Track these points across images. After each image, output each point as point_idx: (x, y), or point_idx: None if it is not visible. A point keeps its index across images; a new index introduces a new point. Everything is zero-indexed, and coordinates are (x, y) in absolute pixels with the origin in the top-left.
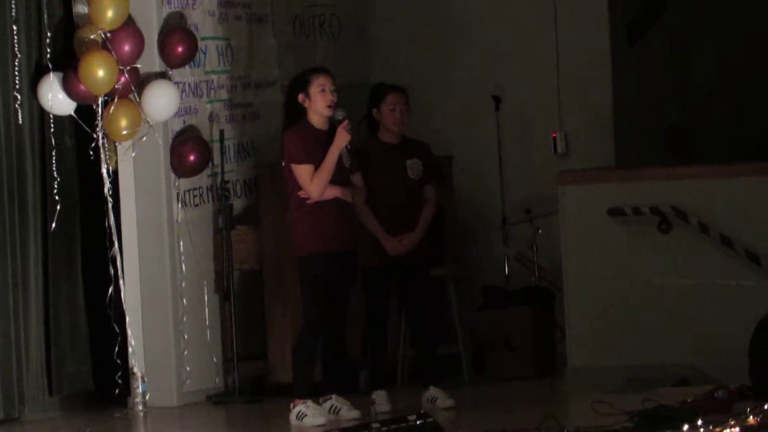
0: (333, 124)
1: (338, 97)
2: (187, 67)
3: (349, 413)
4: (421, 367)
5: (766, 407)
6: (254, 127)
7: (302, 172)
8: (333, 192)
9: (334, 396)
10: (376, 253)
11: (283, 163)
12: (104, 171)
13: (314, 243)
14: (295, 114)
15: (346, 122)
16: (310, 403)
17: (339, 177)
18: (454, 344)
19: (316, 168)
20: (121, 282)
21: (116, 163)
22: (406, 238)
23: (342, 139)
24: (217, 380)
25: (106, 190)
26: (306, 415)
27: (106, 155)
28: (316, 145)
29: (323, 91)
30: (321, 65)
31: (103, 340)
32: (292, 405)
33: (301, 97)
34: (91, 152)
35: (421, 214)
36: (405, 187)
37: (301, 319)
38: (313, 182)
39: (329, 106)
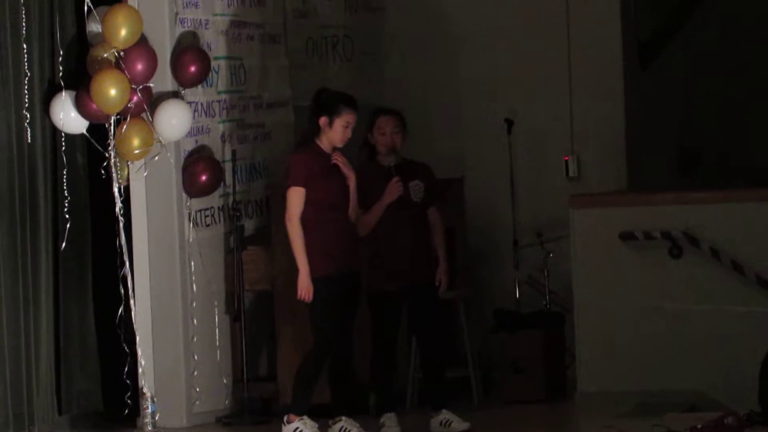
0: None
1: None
2: (199, 86)
3: None
4: (430, 391)
5: None
6: (266, 147)
7: (294, 194)
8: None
9: (344, 418)
10: (385, 277)
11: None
12: (116, 190)
13: (318, 265)
14: (313, 131)
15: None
16: (306, 420)
17: (345, 198)
18: (464, 367)
19: (309, 190)
20: (131, 301)
21: (127, 179)
22: (442, 276)
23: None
24: (226, 401)
25: (117, 209)
26: None
27: (117, 174)
28: (319, 169)
29: (346, 128)
30: (353, 97)
31: (113, 359)
32: (286, 419)
33: (323, 120)
34: (103, 171)
35: (435, 242)
36: (408, 211)
37: (310, 341)
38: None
39: (343, 142)
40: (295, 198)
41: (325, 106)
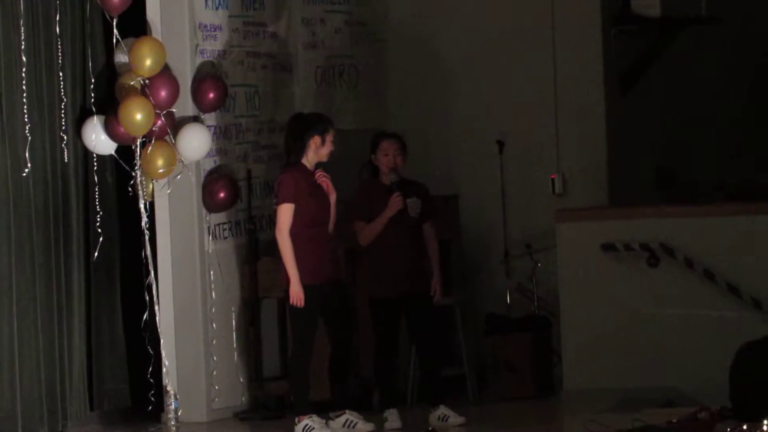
0: (320, 165)
1: (356, 141)
2: (218, 111)
3: (364, 426)
4: (428, 388)
5: (744, 428)
6: (279, 167)
7: (283, 210)
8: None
9: (347, 411)
10: (384, 285)
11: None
12: (142, 206)
13: (307, 275)
14: (299, 151)
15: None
16: (315, 417)
17: (328, 211)
18: (459, 366)
19: (297, 205)
20: (156, 308)
21: (152, 194)
22: (436, 286)
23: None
24: (243, 398)
25: (143, 223)
26: (313, 428)
27: (143, 191)
28: (305, 186)
29: (333, 142)
30: (325, 115)
31: (140, 361)
32: (297, 420)
33: (317, 139)
34: (130, 189)
35: (430, 254)
36: (405, 225)
37: (315, 343)
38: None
39: (328, 157)
40: (285, 213)
41: (312, 126)
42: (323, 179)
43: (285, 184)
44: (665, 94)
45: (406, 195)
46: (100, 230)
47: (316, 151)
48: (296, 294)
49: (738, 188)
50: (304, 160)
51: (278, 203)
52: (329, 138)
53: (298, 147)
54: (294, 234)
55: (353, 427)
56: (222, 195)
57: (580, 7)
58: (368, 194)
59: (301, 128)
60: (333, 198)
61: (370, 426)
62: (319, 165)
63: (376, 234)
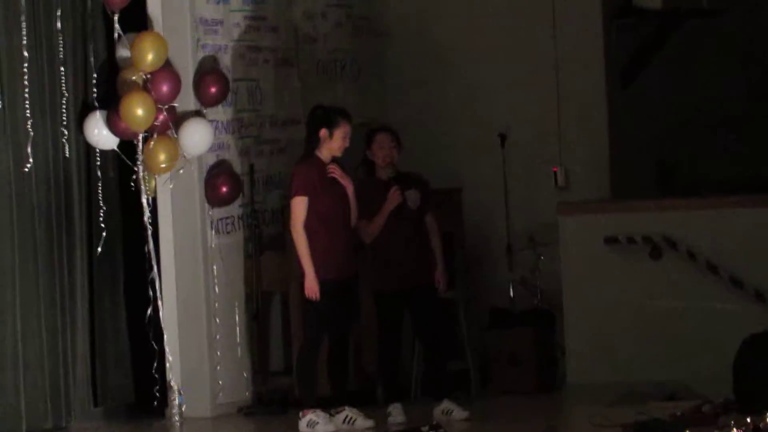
0: (336, 160)
1: (356, 134)
2: (220, 106)
3: (364, 423)
4: (432, 382)
5: (748, 420)
6: (281, 161)
7: (297, 203)
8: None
9: (346, 407)
10: (388, 279)
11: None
12: (144, 201)
13: (320, 270)
14: (313, 144)
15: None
16: (319, 411)
17: (343, 205)
18: (463, 360)
19: (310, 198)
20: (159, 303)
21: (155, 190)
22: (439, 277)
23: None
24: (247, 393)
25: (146, 218)
26: (317, 423)
27: (146, 186)
28: (319, 180)
29: (344, 138)
30: (346, 110)
31: (143, 356)
32: (301, 414)
33: (323, 132)
34: (132, 183)
35: (433, 246)
36: (406, 218)
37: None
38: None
39: (342, 151)
40: (299, 207)
41: (323, 119)
42: (333, 172)
43: (296, 177)
44: (667, 87)
45: (404, 188)
46: (102, 225)
47: (327, 145)
48: (311, 288)
49: (740, 181)
50: (318, 154)
51: (291, 196)
52: (338, 133)
53: (311, 140)
54: (309, 228)
55: (353, 423)
56: (224, 189)
57: (581, 0)
58: (367, 192)
59: (313, 121)
60: (350, 190)
61: (369, 422)
62: (335, 160)
63: (378, 230)
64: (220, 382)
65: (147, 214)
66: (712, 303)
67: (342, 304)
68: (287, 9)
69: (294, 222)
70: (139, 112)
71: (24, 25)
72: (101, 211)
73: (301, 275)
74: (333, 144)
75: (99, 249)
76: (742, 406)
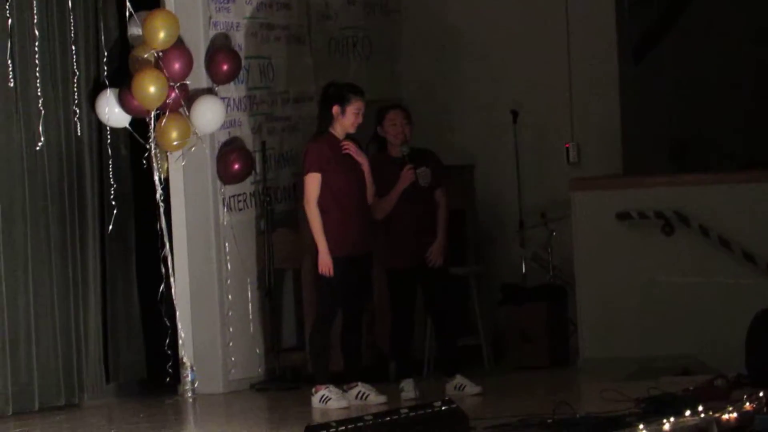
0: (351, 137)
1: (367, 111)
2: (232, 83)
3: (377, 398)
4: (444, 358)
5: (761, 395)
6: (293, 138)
7: (310, 180)
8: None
9: (359, 383)
10: (400, 256)
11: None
12: (156, 178)
13: (334, 246)
14: (326, 121)
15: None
16: (332, 387)
17: (358, 181)
18: (475, 336)
19: (324, 175)
20: (171, 280)
21: (167, 171)
22: (434, 251)
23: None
24: (259, 369)
25: (158, 195)
26: (330, 399)
27: (158, 164)
28: (333, 156)
29: (357, 114)
30: (359, 86)
31: (156, 332)
32: (314, 390)
33: (336, 109)
34: (144, 161)
35: (438, 220)
36: (417, 195)
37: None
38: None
39: (355, 127)
40: (312, 183)
41: (335, 96)
42: (348, 148)
43: (309, 153)
44: (679, 63)
45: (416, 165)
46: (114, 203)
47: (340, 122)
48: (325, 263)
49: (752, 156)
50: (332, 131)
51: (304, 173)
52: (351, 109)
53: (324, 117)
54: (324, 204)
55: (365, 399)
56: (236, 167)
57: None
58: (379, 169)
59: (325, 99)
60: (366, 167)
61: (382, 398)
62: (349, 136)
63: (390, 208)
64: (233, 359)
65: (159, 192)
66: (725, 278)
67: (355, 280)
68: None
69: (307, 198)
70: (152, 89)
71: (35, 3)
72: (113, 189)
73: (315, 252)
74: (346, 120)
75: (111, 227)
76: (754, 380)
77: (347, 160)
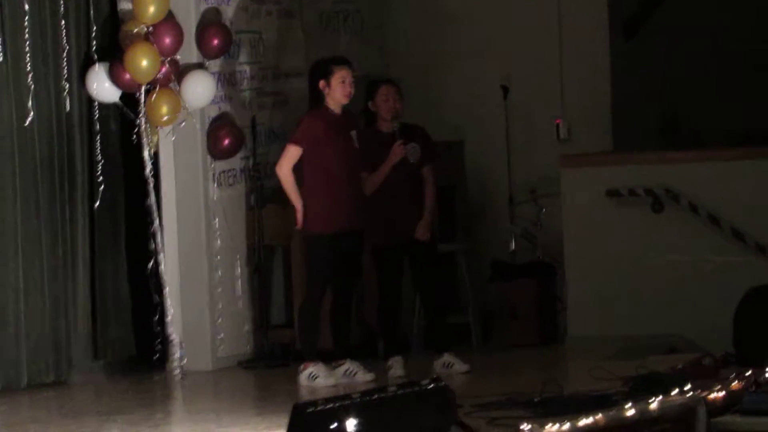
0: (346, 110)
1: (357, 86)
2: (222, 58)
3: (364, 376)
4: (432, 336)
5: (748, 373)
6: (283, 113)
7: (290, 150)
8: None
9: (348, 360)
10: (387, 232)
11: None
12: (146, 154)
13: (324, 223)
14: (316, 97)
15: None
16: (320, 364)
17: (350, 158)
18: (464, 314)
19: (314, 150)
20: (160, 256)
21: (157, 146)
22: (421, 226)
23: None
24: (248, 346)
25: (147, 171)
26: (318, 376)
27: (147, 139)
28: (325, 130)
29: (343, 83)
30: (343, 56)
31: (144, 309)
32: (302, 367)
33: (321, 84)
34: (134, 137)
35: (426, 197)
36: (406, 171)
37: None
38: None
39: (347, 97)
40: (291, 153)
41: (320, 72)
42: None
43: (301, 125)
44: (670, 40)
45: (406, 140)
46: (103, 178)
47: (330, 95)
48: (302, 218)
49: (742, 134)
50: (327, 104)
51: (289, 141)
52: (335, 80)
53: (313, 95)
54: (314, 180)
55: (353, 376)
56: (227, 142)
57: None
58: (368, 143)
59: (311, 75)
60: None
61: (370, 375)
62: (344, 108)
63: (379, 183)
64: (221, 336)
65: (148, 168)
66: (714, 256)
67: (345, 257)
68: None
69: (280, 164)
70: (144, 62)
71: None
72: (101, 165)
73: (310, 226)
74: (335, 93)
75: (99, 203)
76: (742, 359)
77: (339, 136)
